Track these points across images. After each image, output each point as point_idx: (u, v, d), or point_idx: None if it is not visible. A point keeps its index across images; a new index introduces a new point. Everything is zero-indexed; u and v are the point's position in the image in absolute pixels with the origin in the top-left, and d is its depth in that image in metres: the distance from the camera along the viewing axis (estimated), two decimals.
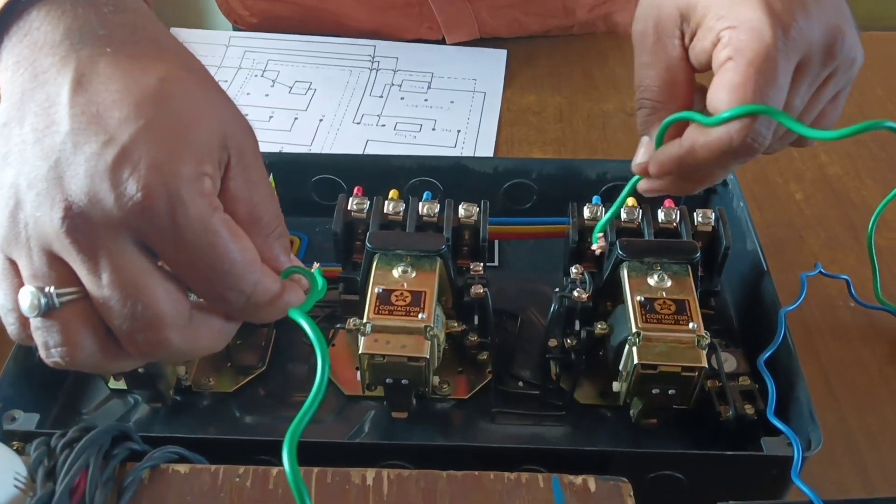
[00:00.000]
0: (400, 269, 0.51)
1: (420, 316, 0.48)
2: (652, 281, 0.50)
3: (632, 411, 0.51)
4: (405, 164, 0.65)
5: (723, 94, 0.41)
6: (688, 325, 0.48)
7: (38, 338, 0.36)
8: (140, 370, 0.49)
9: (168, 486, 0.41)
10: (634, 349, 0.47)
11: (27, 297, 0.35)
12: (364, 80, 0.85)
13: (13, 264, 0.36)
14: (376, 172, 0.64)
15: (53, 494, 0.37)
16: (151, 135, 0.33)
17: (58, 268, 0.35)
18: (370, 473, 0.42)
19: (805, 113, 0.44)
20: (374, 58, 0.88)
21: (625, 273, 0.51)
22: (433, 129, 0.80)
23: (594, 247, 0.53)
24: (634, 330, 0.48)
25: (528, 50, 0.89)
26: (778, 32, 0.40)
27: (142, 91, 0.34)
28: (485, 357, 0.55)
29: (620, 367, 0.49)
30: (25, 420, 0.48)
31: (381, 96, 0.83)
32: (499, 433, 0.53)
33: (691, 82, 0.45)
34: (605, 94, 0.85)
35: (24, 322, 0.36)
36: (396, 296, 0.49)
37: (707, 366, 0.47)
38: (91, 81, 0.35)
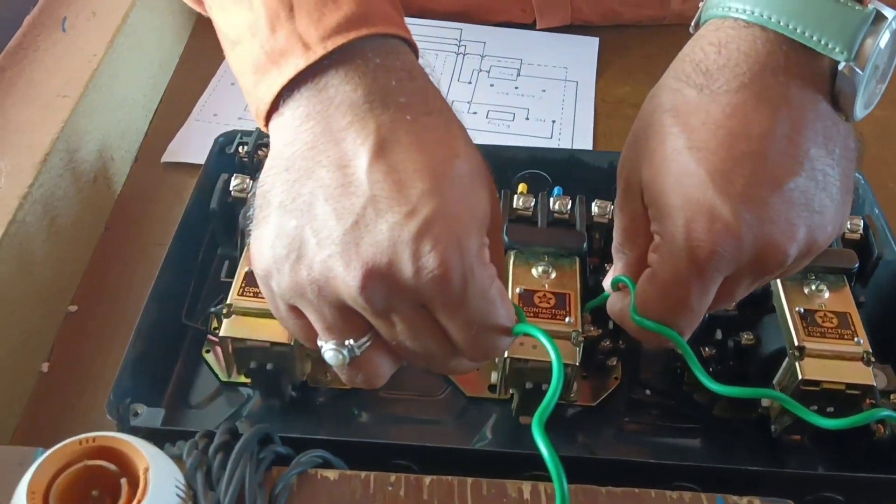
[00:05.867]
0: (539, 268, 0.48)
1: (567, 320, 0.46)
2: (808, 291, 0.48)
3: (774, 426, 0.49)
4: (516, 155, 0.62)
5: (642, 298, 0.40)
6: (853, 339, 0.45)
7: (346, 376, 0.39)
8: (269, 366, 0.46)
9: (318, 492, 0.39)
10: (798, 364, 0.44)
11: (331, 355, 0.38)
12: (451, 65, 0.82)
13: (296, 310, 0.38)
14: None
15: None
16: (448, 210, 0.34)
17: (350, 319, 0.37)
18: (526, 487, 0.40)
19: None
20: (460, 42, 0.85)
21: (779, 281, 0.48)
22: (527, 119, 0.77)
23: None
24: (797, 344, 0.45)
25: (619, 39, 0.86)
26: (693, 268, 0.37)
27: (440, 165, 0.35)
28: (614, 363, 0.53)
29: (774, 381, 0.47)
30: (149, 415, 0.46)
31: (470, 82, 0.80)
32: (629, 444, 0.51)
33: (650, 236, 0.42)
34: None
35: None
36: (539, 297, 0.47)
37: (875, 384, 0.44)
38: (393, 149, 0.35)
